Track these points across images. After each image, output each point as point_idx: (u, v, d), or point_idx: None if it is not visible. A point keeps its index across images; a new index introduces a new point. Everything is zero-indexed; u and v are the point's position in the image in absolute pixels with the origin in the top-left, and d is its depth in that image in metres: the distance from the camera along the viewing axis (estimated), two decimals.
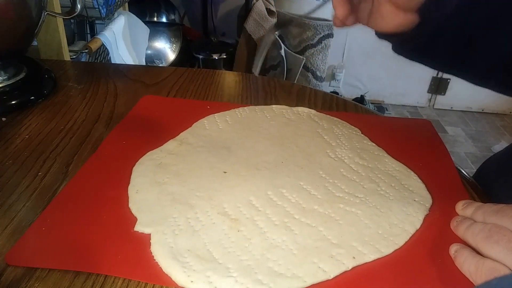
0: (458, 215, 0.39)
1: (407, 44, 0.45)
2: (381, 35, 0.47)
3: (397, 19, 0.43)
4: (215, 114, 0.55)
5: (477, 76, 0.48)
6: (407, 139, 0.53)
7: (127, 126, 0.52)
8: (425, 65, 0.47)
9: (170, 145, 0.48)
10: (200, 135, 0.50)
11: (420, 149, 0.50)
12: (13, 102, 0.56)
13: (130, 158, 0.46)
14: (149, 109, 0.57)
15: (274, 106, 0.58)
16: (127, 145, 0.48)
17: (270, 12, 1.94)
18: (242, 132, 0.52)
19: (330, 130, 0.53)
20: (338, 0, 0.44)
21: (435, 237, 0.38)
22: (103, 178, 0.43)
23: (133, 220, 0.38)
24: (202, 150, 0.48)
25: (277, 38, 1.95)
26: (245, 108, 0.57)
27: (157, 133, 0.51)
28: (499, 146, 2.16)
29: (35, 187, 0.42)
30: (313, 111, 0.57)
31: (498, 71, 0.46)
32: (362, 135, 0.53)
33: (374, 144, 0.51)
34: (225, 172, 0.44)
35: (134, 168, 0.44)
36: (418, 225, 0.39)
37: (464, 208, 0.39)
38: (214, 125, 0.53)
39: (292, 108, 0.57)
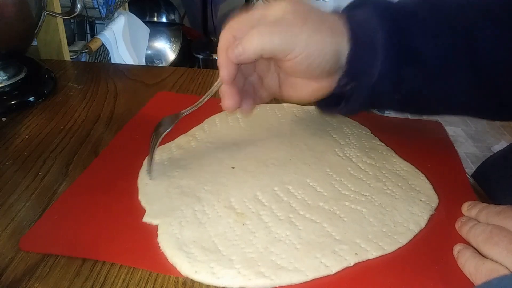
0: (463, 215, 0.39)
1: (350, 111, 0.42)
2: (322, 110, 0.45)
3: (310, 87, 0.40)
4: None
5: (440, 115, 0.48)
6: (417, 139, 0.53)
7: (140, 121, 0.54)
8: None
9: (181, 140, 0.50)
10: (210, 131, 0.51)
11: (430, 150, 0.50)
12: (13, 102, 0.56)
13: (142, 151, 0.47)
14: (163, 105, 0.58)
15: (285, 104, 0.58)
16: (139, 139, 0.50)
17: None
18: (252, 129, 0.52)
19: (340, 129, 0.53)
20: (226, 93, 0.40)
21: (439, 237, 0.38)
22: (115, 170, 0.44)
23: (142, 211, 0.39)
24: (212, 146, 0.49)
25: None
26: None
27: None
28: (499, 146, 2.12)
29: (35, 187, 0.42)
30: None
31: (458, 111, 0.45)
32: (372, 134, 0.53)
33: (383, 144, 0.51)
34: (233, 168, 0.45)
35: (144, 161, 0.45)
36: (423, 225, 0.39)
37: (469, 209, 0.39)
38: (225, 122, 0.54)
39: (303, 106, 0.58)
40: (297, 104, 0.45)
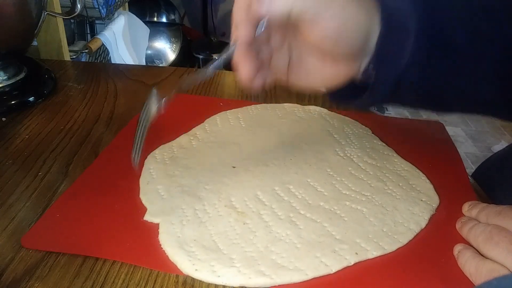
0: (464, 216, 0.39)
1: (367, 103, 0.39)
2: (336, 101, 0.41)
3: (324, 73, 0.36)
4: (227, 111, 0.56)
5: (459, 112, 0.45)
6: (418, 139, 0.53)
7: None
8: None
9: (182, 139, 0.50)
10: (211, 131, 0.52)
11: (431, 150, 0.50)
12: (13, 102, 0.56)
13: (143, 150, 0.46)
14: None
15: (286, 104, 0.58)
16: None
17: None
18: (253, 129, 0.52)
19: (341, 129, 0.53)
20: (242, 58, 0.33)
21: (440, 237, 0.38)
22: (115, 170, 0.44)
23: (143, 210, 0.39)
24: (213, 145, 0.49)
25: None
26: (257, 106, 0.58)
27: (170, 128, 0.52)
28: (499, 146, 2.11)
29: (35, 187, 0.42)
30: (324, 110, 0.57)
31: (481, 110, 0.42)
32: (373, 134, 0.53)
33: (384, 144, 0.51)
34: (234, 167, 0.45)
35: (146, 160, 0.45)
36: (423, 225, 0.39)
37: (470, 209, 0.39)
38: (226, 122, 0.54)
39: (304, 106, 0.58)
40: (304, 88, 0.42)
